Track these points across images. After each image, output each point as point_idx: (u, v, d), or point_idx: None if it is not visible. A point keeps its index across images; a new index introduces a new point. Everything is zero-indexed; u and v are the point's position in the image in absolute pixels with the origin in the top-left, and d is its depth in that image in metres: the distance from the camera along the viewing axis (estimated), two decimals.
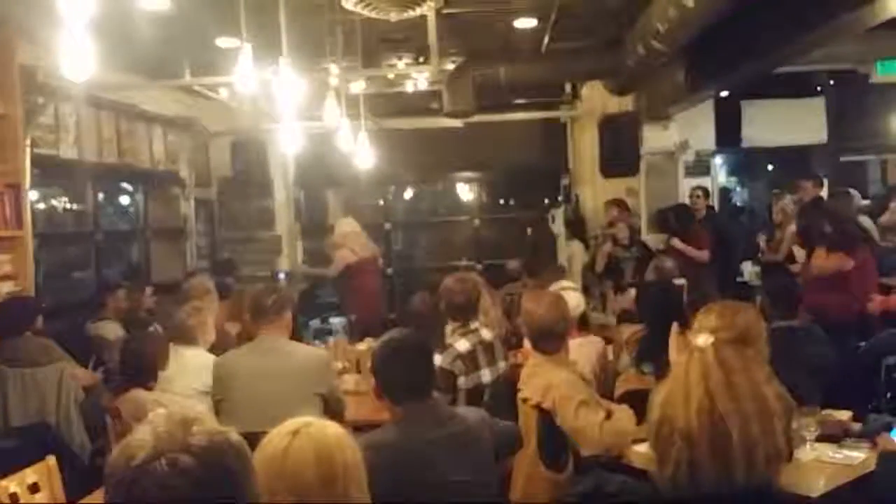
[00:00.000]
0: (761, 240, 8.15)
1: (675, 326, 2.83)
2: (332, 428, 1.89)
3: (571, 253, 8.79)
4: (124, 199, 8.31)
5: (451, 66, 7.41)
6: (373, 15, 3.62)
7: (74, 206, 7.36)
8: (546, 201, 9.71)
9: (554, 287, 4.90)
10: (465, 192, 10.74)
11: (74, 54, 2.01)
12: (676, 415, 1.97)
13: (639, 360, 3.88)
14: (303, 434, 1.81)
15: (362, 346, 5.88)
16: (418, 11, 3.64)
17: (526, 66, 7.41)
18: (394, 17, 3.76)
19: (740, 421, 1.96)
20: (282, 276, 9.09)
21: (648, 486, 2.20)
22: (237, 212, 9.49)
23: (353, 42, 6.08)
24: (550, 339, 3.45)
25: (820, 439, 3.29)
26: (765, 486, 2.02)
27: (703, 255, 7.66)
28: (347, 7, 3.64)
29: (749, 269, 8.55)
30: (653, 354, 3.77)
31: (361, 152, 6.20)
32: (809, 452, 3.19)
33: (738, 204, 12.34)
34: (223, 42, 6.63)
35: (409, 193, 11.18)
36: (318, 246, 10.27)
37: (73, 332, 5.95)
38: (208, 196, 9.34)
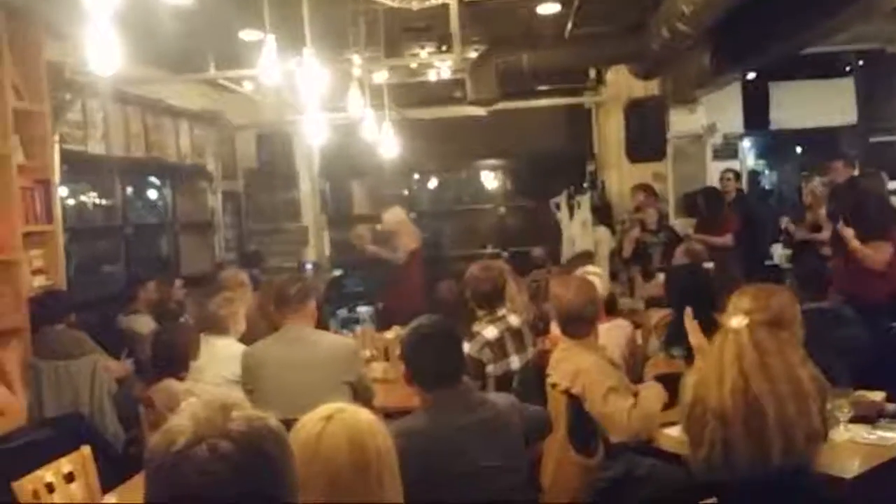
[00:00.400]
0: (783, 222, 8.06)
1: (688, 310, 2.81)
2: (365, 414, 1.89)
3: (598, 239, 8.73)
4: (152, 193, 8.38)
5: (473, 54, 7.38)
6: (395, 4, 3.61)
7: (103, 201, 7.44)
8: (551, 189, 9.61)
9: (579, 273, 4.88)
10: (490, 180, 10.71)
11: (100, 49, 2.02)
12: (709, 395, 1.96)
13: (668, 344, 3.85)
14: (336, 419, 1.82)
15: (390, 334, 5.90)
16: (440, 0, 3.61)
17: (549, 52, 7.35)
18: (416, 5, 3.75)
19: (775, 402, 1.94)
20: (309, 266, 9.13)
21: (679, 469, 2.20)
22: (263, 204, 9.56)
23: (376, 32, 6.07)
24: (579, 324, 3.44)
25: (854, 420, 3.25)
26: (802, 467, 2.01)
27: (726, 239, 7.60)
28: None
29: (779, 252, 8.47)
30: (681, 338, 3.74)
31: (386, 142, 6.19)
32: (843, 433, 3.16)
33: (766, 187, 12.20)
34: (247, 35, 6.65)
35: (433, 182, 11.17)
36: (343, 236, 10.33)
37: (104, 325, 6.04)
38: (235, 188, 9.41)
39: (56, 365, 5.00)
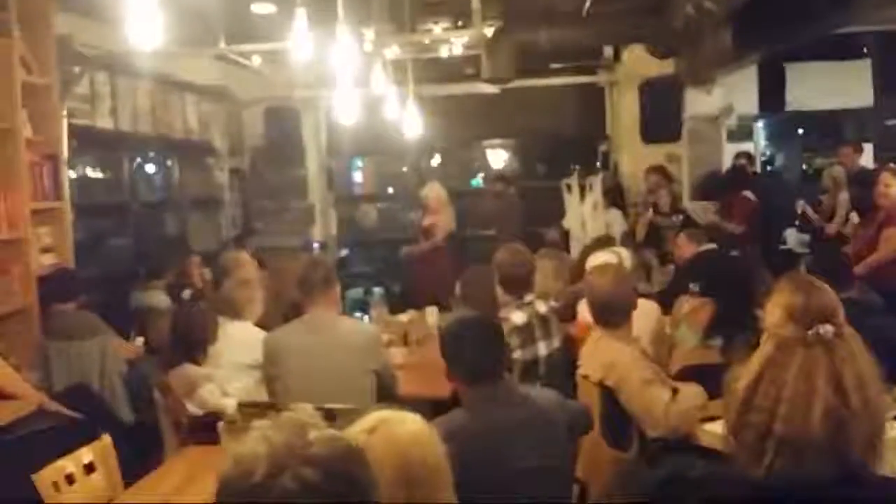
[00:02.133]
0: (799, 206, 7.96)
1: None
2: (412, 423, 1.76)
3: (609, 221, 8.61)
4: (160, 169, 8.23)
5: (489, 31, 7.21)
6: None
7: (110, 177, 7.30)
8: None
9: (602, 254, 4.77)
10: (501, 160, 10.56)
11: (142, 24, 1.89)
12: (792, 415, 1.86)
13: (707, 334, 3.74)
14: (380, 432, 1.70)
15: (404, 317, 5.80)
16: None
17: (568, 29, 7.18)
18: None
19: (868, 412, 1.85)
20: (316, 245, 9.01)
21: (737, 471, 2.10)
22: (270, 181, 9.39)
23: (393, 7, 5.91)
24: (615, 314, 3.33)
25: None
26: (866, 468, 1.93)
27: (735, 227, 7.53)
28: None
29: (794, 237, 8.38)
30: (722, 328, 3.66)
31: (409, 119, 6.05)
32: (889, 430, 3.06)
33: (770, 169, 12.06)
34: (258, 7, 6.50)
35: (442, 160, 11.03)
36: (350, 215, 10.22)
37: (110, 304, 5.92)
38: (241, 166, 9.26)
39: (66, 346, 4.89)
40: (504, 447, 2.37)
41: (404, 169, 11.01)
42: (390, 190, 11.07)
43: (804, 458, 1.88)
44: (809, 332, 1.97)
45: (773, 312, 2.17)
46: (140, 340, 5.49)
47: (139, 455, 3.81)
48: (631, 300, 3.41)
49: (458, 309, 4.55)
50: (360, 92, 5.77)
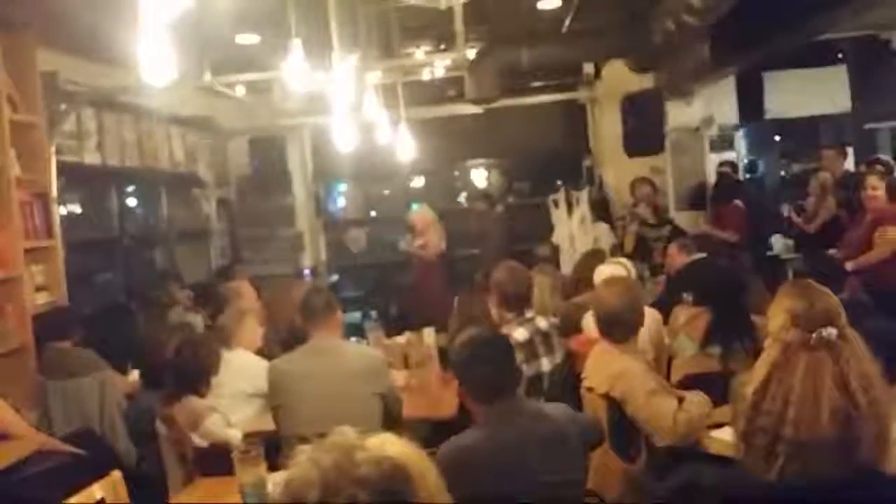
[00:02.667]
0: (785, 210, 8.06)
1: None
2: (394, 446, 1.73)
3: (597, 235, 8.68)
4: (147, 202, 8.21)
5: (471, 52, 7.29)
6: (421, 3, 3.51)
7: (98, 212, 7.28)
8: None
9: (608, 267, 4.80)
10: (486, 179, 10.62)
11: (155, 58, 1.91)
12: (800, 416, 1.89)
13: (705, 343, 3.78)
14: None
15: (401, 339, 5.79)
16: None
17: (548, 47, 7.29)
18: (443, 4, 3.65)
19: (874, 411, 1.88)
20: (307, 272, 9.01)
21: (749, 476, 2.12)
22: (257, 210, 9.40)
23: (378, 32, 5.97)
24: (621, 328, 3.35)
25: None
26: (872, 468, 1.96)
27: (729, 234, 7.61)
28: None
29: (780, 242, 8.46)
30: (720, 336, 3.70)
31: (402, 142, 6.09)
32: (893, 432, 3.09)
33: (750, 177, 12.15)
34: (242, 38, 6.54)
35: (428, 182, 11.08)
36: (339, 240, 10.23)
37: (103, 338, 5.87)
38: (227, 195, 9.26)
39: (64, 384, 4.86)
40: (522, 463, 2.38)
41: (386, 192, 11.06)
42: (373, 213, 11.12)
43: (815, 459, 1.91)
44: (813, 336, 2.00)
45: (777, 318, 2.20)
46: (136, 373, 5.45)
47: (141, 490, 3.79)
48: (639, 314, 3.44)
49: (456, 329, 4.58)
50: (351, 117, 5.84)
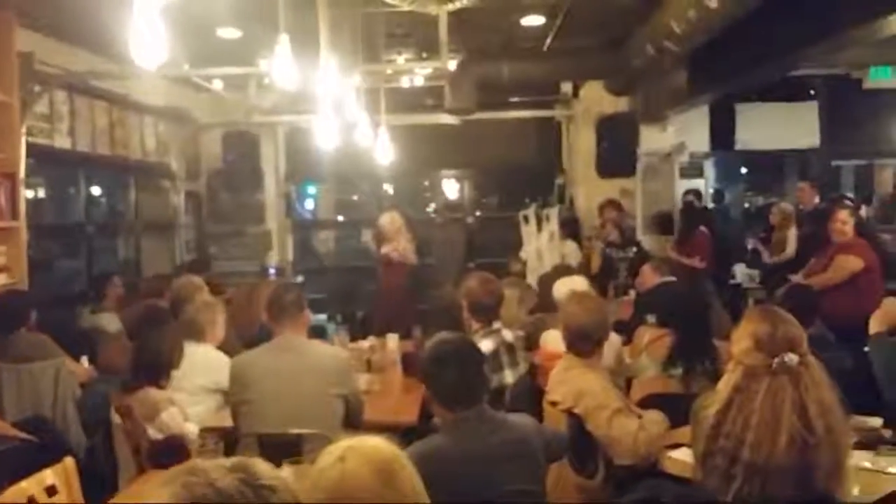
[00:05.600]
0: (750, 243, 8.18)
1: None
2: (381, 442, 1.70)
3: (565, 252, 8.73)
4: (115, 191, 8.12)
5: (452, 63, 7.32)
6: (414, 8, 3.53)
7: (65, 196, 7.18)
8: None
9: (565, 285, 4.82)
10: (459, 190, 10.65)
11: (145, 41, 1.89)
12: (760, 441, 1.91)
13: (668, 364, 3.82)
14: (352, 457, 1.64)
15: (365, 344, 5.77)
16: (458, 5, 3.54)
17: (529, 64, 7.35)
18: (433, 10, 3.67)
19: (830, 439, 1.91)
20: (272, 271, 8.95)
21: (707, 496, 2.14)
22: (226, 205, 9.33)
23: (362, 37, 5.97)
24: (587, 343, 3.38)
25: (855, 447, 3.24)
26: (828, 495, 1.99)
27: (698, 262, 7.70)
28: (389, 0, 3.54)
29: (742, 271, 8.58)
30: (682, 357, 3.74)
31: (382, 148, 6.09)
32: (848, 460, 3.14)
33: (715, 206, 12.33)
34: (224, 32, 6.50)
35: (397, 188, 11.08)
36: (307, 241, 10.19)
37: (62, 325, 5.80)
38: (197, 189, 9.17)
39: (18, 369, 4.77)
40: (486, 471, 2.38)
41: (355, 197, 11.05)
42: (340, 217, 11.10)
43: (772, 483, 1.93)
44: (775, 361, 2.03)
45: (741, 341, 2.22)
46: (85, 361, 5.36)
47: (91, 479, 3.73)
48: (605, 329, 3.47)
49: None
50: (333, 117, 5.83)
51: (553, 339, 3.90)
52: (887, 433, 3.45)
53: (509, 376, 3.92)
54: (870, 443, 3.34)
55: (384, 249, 7.94)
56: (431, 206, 11.11)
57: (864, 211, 8.17)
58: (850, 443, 2.11)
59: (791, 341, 2.14)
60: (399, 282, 7.47)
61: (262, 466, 1.26)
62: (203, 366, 4.21)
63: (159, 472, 3.44)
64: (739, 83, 7.20)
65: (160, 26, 1.95)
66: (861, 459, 3.18)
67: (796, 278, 5.86)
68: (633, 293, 6.81)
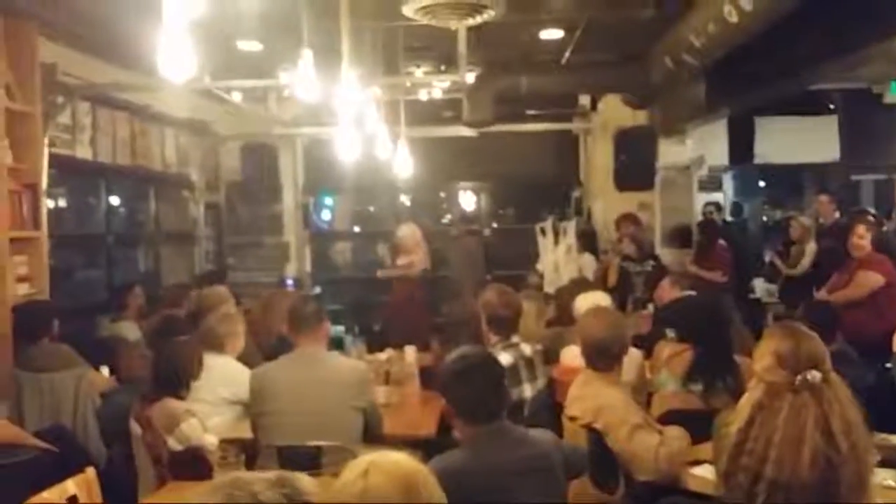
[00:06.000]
0: (768, 256, 8.14)
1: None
2: (403, 458, 1.71)
3: (582, 265, 8.71)
4: (136, 202, 8.18)
5: (470, 75, 7.34)
6: (433, 23, 3.54)
7: (86, 207, 7.24)
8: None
9: (587, 301, 4.82)
10: (475, 202, 10.65)
11: (174, 54, 1.91)
12: (782, 458, 1.90)
13: (687, 379, 3.80)
14: (375, 471, 1.64)
15: (382, 356, 5.77)
16: (479, 20, 3.56)
17: (547, 77, 7.36)
18: (454, 25, 3.68)
19: (854, 455, 1.90)
20: (290, 282, 8.97)
21: None
22: (245, 217, 9.40)
23: (381, 49, 6.01)
24: (606, 358, 3.37)
25: (877, 465, 3.21)
26: None
27: (720, 276, 7.65)
28: (408, 14, 3.56)
29: (761, 286, 8.53)
30: (702, 373, 3.72)
31: (401, 159, 6.11)
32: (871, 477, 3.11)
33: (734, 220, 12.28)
34: (244, 45, 6.55)
35: (415, 200, 11.10)
36: (326, 253, 10.22)
37: (83, 334, 5.85)
38: (216, 200, 9.24)
39: (38, 378, 4.80)
40: (507, 487, 2.37)
41: (372, 209, 11.06)
42: (357, 228, 11.13)
43: (795, 501, 1.92)
44: (798, 378, 2.02)
45: (763, 358, 2.21)
46: (106, 371, 5.40)
47: (110, 489, 3.74)
48: (623, 343, 3.46)
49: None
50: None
51: (573, 355, 3.89)
52: None
53: (528, 390, 3.91)
54: (892, 461, 3.31)
55: (400, 261, 7.97)
56: (447, 218, 11.12)
57: (886, 226, 8.11)
58: (873, 460, 2.10)
59: (814, 358, 2.13)
60: (410, 293, 7.48)
61: (304, 482, 1.27)
62: (223, 377, 4.23)
63: (181, 483, 3.46)
64: (759, 97, 7.17)
65: (188, 40, 1.97)
66: (884, 477, 3.16)
67: (820, 295, 5.83)
68: (651, 307, 6.77)
